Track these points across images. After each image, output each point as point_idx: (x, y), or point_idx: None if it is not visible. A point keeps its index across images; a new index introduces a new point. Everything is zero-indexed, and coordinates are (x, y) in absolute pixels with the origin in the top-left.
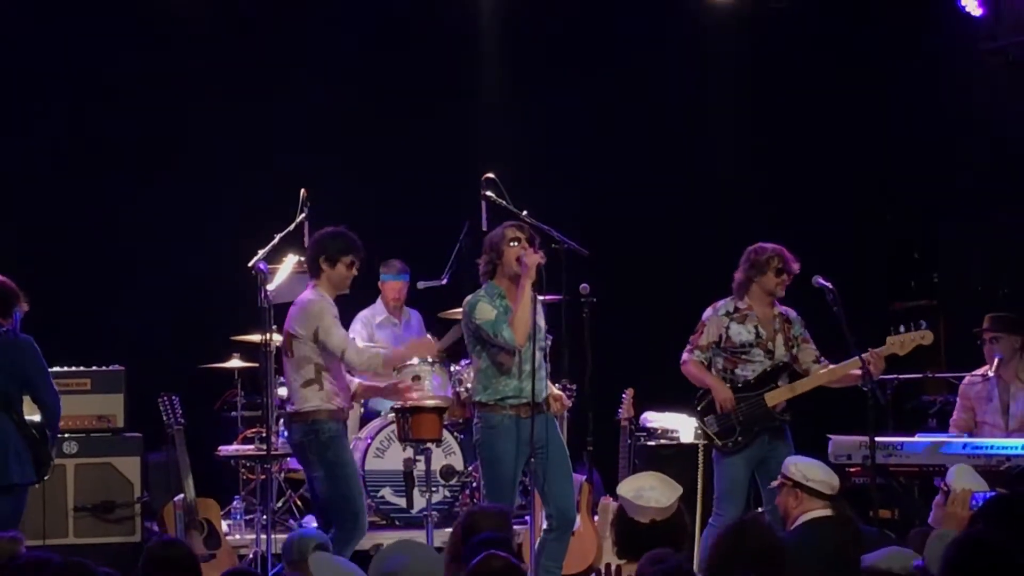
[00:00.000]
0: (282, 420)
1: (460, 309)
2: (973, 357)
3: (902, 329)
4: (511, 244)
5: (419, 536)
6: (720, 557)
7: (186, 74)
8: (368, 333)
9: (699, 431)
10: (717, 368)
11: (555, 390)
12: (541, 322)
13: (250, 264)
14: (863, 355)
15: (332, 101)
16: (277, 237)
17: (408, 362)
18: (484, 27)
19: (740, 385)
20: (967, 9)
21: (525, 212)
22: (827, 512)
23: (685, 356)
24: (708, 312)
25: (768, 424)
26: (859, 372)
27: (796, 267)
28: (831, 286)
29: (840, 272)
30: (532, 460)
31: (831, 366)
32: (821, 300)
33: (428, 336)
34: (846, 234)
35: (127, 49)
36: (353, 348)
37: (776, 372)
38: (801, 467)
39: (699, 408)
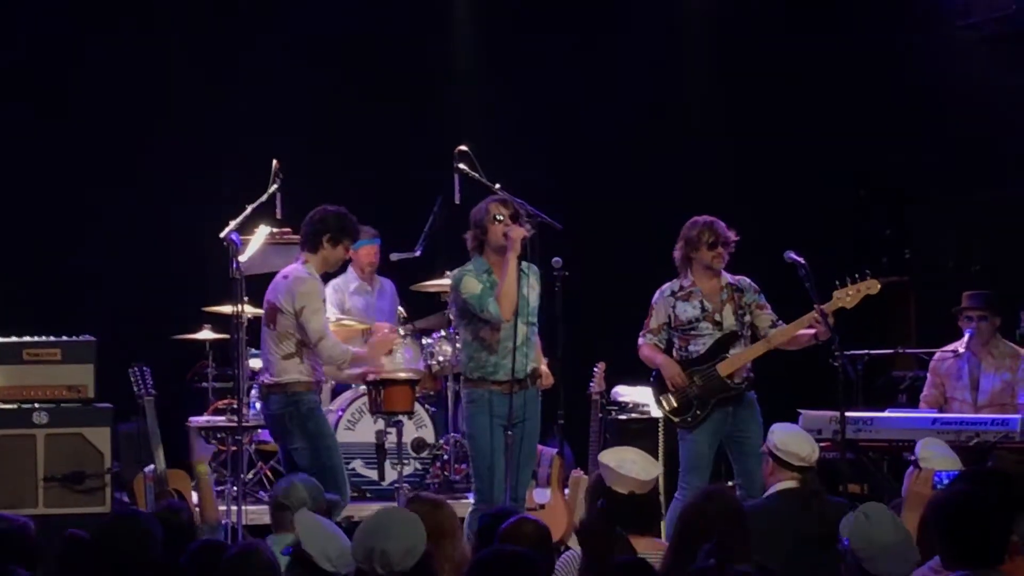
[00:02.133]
0: (254, 391)
1: (433, 281)
2: (944, 333)
3: (848, 281)
4: (496, 220)
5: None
6: (686, 526)
7: (155, 51)
8: (340, 300)
9: (659, 409)
10: (675, 348)
11: (543, 367)
12: (533, 297)
13: (221, 235)
14: (817, 308)
15: (302, 74)
16: (249, 208)
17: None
18: (458, 3)
19: (693, 359)
20: None
21: (498, 185)
22: (794, 484)
23: (640, 340)
24: (656, 295)
25: (724, 394)
26: (812, 331)
27: (731, 236)
28: (803, 261)
29: (812, 248)
30: (509, 434)
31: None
32: (794, 275)
33: (386, 330)
34: (818, 210)
35: (98, 25)
36: (329, 340)
37: (726, 342)
38: (777, 436)
39: (655, 387)
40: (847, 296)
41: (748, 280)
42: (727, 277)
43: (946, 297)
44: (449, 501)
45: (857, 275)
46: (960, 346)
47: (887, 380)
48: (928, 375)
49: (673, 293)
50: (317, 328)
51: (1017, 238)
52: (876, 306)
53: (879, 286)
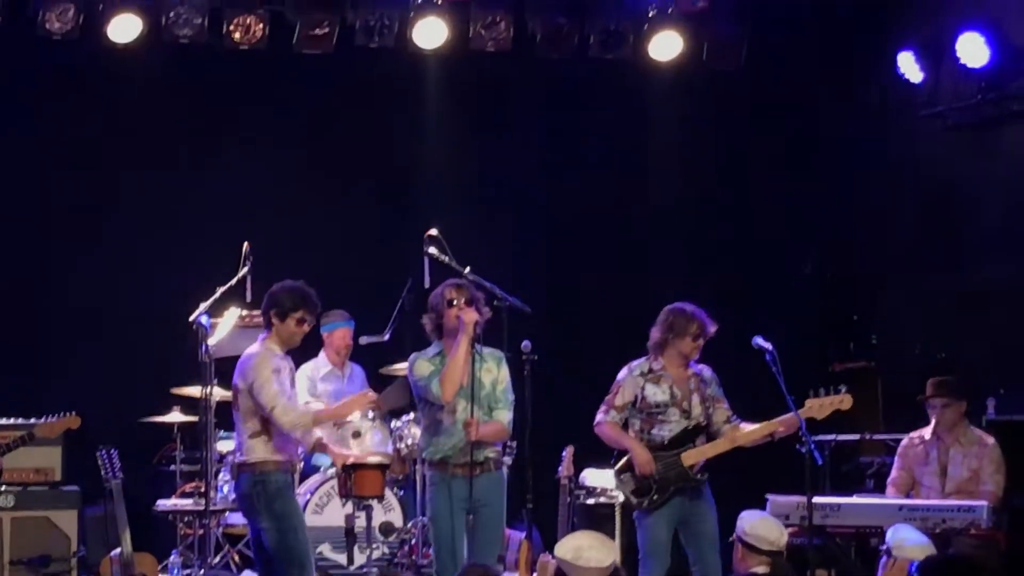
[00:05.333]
0: (223, 474)
1: (402, 364)
2: (911, 419)
3: (822, 392)
4: (451, 304)
5: None
6: None
7: (126, 134)
8: (311, 386)
9: (616, 490)
10: (634, 429)
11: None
12: (489, 381)
13: (191, 318)
14: (796, 414)
15: (272, 157)
16: (219, 291)
17: (348, 419)
18: (425, 83)
19: (657, 445)
20: (906, 75)
21: (468, 269)
22: (765, 569)
23: (600, 417)
24: (623, 372)
25: (684, 484)
26: (777, 431)
27: (713, 330)
28: (770, 347)
29: (779, 332)
30: (469, 517)
31: (745, 425)
32: (761, 361)
33: (367, 390)
34: (785, 294)
35: (71, 111)
36: (283, 407)
37: (694, 432)
38: (746, 522)
39: (616, 467)
40: (819, 406)
41: (710, 371)
42: (692, 366)
43: (913, 383)
44: None
45: (832, 388)
46: (927, 432)
47: (854, 465)
48: (896, 459)
49: (643, 373)
50: (268, 398)
51: (981, 323)
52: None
53: (851, 402)
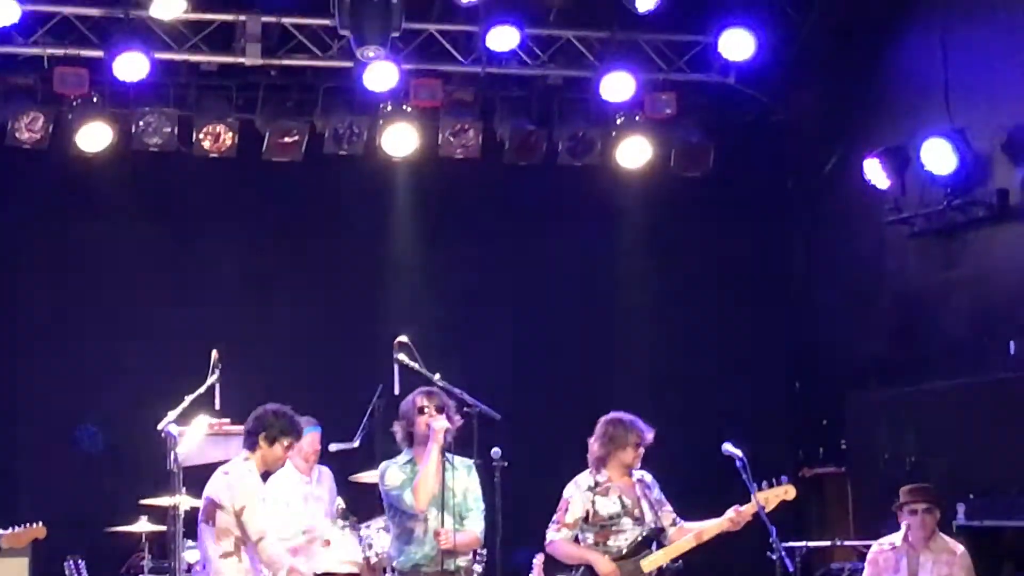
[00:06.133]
0: None
1: (372, 472)
2: (882, 525)
3: (764, 485)
4: (421, 411)
5: None
6: None
7: (94, 241)
8: (278, 491)
9: None
10: (588, 543)
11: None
12: (460, 489)
13: (159, 427)
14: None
15: (241, 264)
16: (188, 399)
17: (316, 528)
18: (394, 190)
19: (614, 556)
20: (873, 182)
21: (438, 375)
22: None
23: (552, 536)
24: (570, 489)
25: None
26: (728, 527)
27: (650, 437)
28: (740, 454)
29: (749, 439)
30: None
31: (696, 525)
32: (731, 467)
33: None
34: (754, 401)
35: (41, 212)
36: (269, 540)
37: (650, 538)
38: None
39: None
40: (764, 499)
41: (650, 475)
42: (633, 473)
43: (883, 489)
44: None
45: (775, 480)
46: (897, 539)
47: (826, 572)
48: (866, 565)
49: (591, 487)
50: (258, 528)
51: (948, 429)
52: (814, 498)
53: (795, 492)
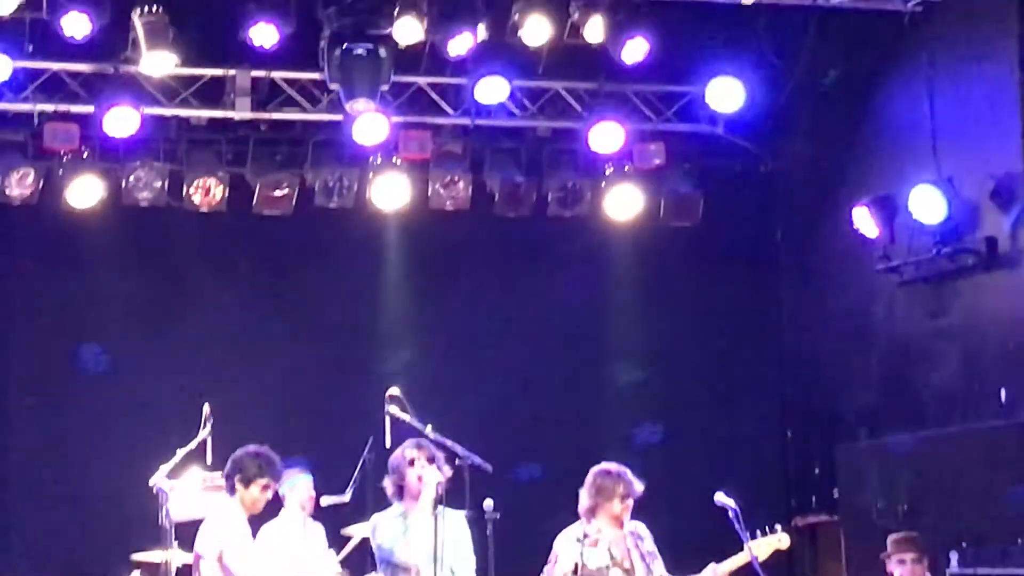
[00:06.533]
0: None
1: (364, 524)
2: (874, 573)
3: (758, 534)
4: (411, 464)
5: None
6: None
7: (84, 295)
8: (272, 543)
9: None
10: None
11: None
12: (452, 543)
13: (151, 482)
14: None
15: (235, 318)
16: (179, 453)
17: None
18: (384, 242)
19: None
20: (862, 231)
21: (429, 427)
22: None
23: None
24: (559, 541)
25: None
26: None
27: (638, 489)
28: (733, 504)
29: (742, 488)
30: None
31: None
32: (724, 517)
33: None
34: (746, 450)
35: (32, 267)
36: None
37: None
38: None
39: None
40: (757, 547)
41: (644, 526)
42: (628, 524)
43: (876, 537)
44: None
45: (769, 528)
46: None
47: None
48: None
49: (579, 539)
50: (243, 572)
51: (940, 477)
52: (808, 546)
53: (788, 541)
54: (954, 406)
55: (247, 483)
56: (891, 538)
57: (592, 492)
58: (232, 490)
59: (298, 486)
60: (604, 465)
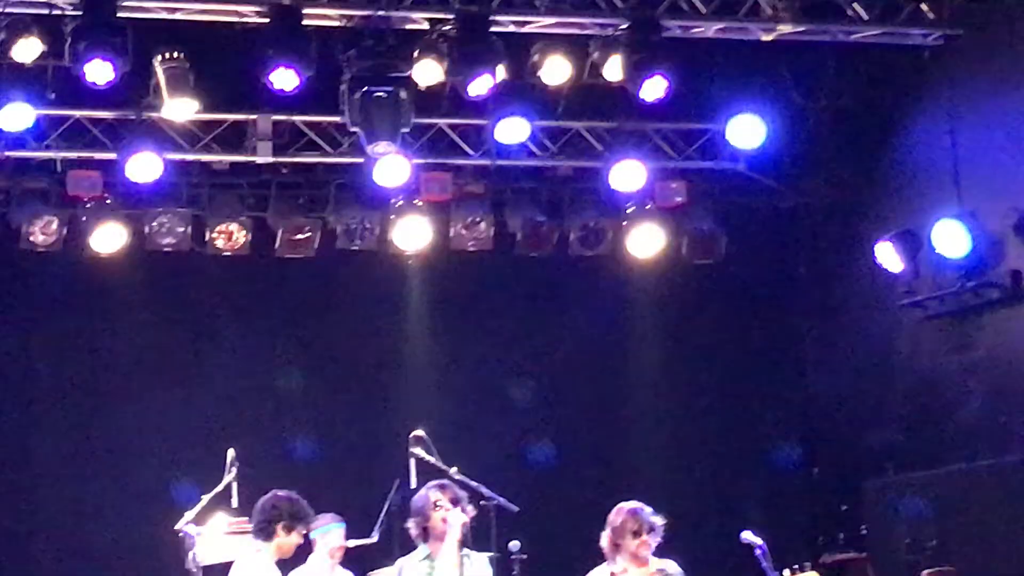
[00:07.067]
0: None
1: (390, 568)
2: None
3: (787, 572)
4: (436, 506)
5: None
6: None
7: (109, 340)
8: None
9: None
10: None
11: None
12: None
13: (177, 527)
14: None
15: (258, 362)
16: (205, 498)
17: None
18: (407, 283)
19: None
20: (886, 266)
21: (455, 469)
22: None
23: None
24: None
25: None
26: None
27: (656, 523)
28: (760, 542)
29: (769, 526)
30: None
31: None
32: (751, 555)
33: None
34: (772, 488)
35: (56, 314)
36: None
37: None
38: None
39: None
40: None
41: (675, 565)
42: (655, 562)
43: (904, 573)
44: None
45: (797, 567)
46: None
47: None
48: None
49: None
50: None
51: (968, 512)
52: None
53: None
54: (981, 440)
55: (289, 529)
56: (925, 573)
57: (608, 530)
58: (271, 535)
59: (331, 533)
60: (625, 503)
